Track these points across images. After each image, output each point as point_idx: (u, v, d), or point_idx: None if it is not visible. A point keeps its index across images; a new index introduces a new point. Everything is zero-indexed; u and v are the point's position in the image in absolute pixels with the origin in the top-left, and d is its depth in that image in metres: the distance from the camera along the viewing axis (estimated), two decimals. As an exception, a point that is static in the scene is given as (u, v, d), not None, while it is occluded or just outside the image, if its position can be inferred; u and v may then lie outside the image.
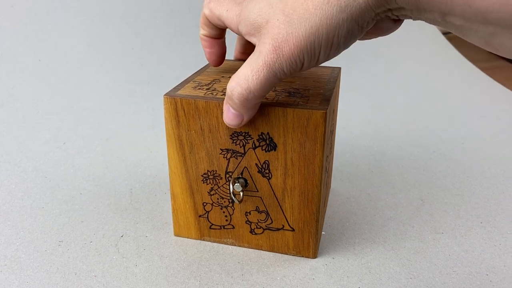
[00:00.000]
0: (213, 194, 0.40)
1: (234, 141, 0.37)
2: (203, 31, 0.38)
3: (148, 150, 0.59)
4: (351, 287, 0.37)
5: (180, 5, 0.86)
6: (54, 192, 0.50)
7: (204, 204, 0.41)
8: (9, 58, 0.74)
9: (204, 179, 0.40)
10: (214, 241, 0.42)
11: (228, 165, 0.38)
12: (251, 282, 0.37)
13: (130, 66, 0.79)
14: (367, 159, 0.58)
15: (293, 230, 0.40)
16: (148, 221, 0.45)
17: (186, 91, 0.38)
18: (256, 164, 0.38)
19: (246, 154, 0.38)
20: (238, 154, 0.38)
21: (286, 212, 0.39)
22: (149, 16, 0.84)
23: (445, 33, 1.08)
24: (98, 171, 0.54)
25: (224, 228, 0.41)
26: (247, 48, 0.43)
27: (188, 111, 0.37)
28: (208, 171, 0.39)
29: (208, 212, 0.41)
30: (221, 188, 0.40)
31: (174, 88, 0.39)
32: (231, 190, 0.39)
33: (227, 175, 0.39)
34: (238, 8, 0.33)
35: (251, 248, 0.42)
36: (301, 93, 0.38)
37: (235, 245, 0.42)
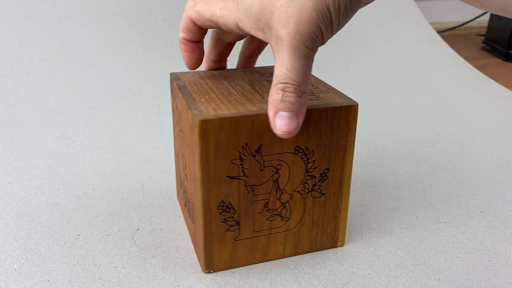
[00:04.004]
0: None
1: None
2: (184, 35, 0.37)
3: (156, 147, 0.61)
4: (361, 274, 0.39)
5: (181, 4, 0.87)
6: (67, 188, 0.51)
7: None
8: (14, 59, 0.75)
9: None
10: None
11: None
12: (265, 271, 0.39)
13: (133, 65, 0.80)
14: (369, 154, 0.60)
15: None
16: (162, 215, 0.46)
17: (332, 98, 0.37)
18: None
19: None
20: None
21: None
22: (151, 16, 0.85)
23: (440, 32, 1.10)
24: (109, 167, 0.55)
25: None
26: (223, 55, 0.42)
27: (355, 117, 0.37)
28: None
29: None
30: None
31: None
32: None
33: None
34: (233, 4, 0.32)
35: None
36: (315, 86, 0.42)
37: None
